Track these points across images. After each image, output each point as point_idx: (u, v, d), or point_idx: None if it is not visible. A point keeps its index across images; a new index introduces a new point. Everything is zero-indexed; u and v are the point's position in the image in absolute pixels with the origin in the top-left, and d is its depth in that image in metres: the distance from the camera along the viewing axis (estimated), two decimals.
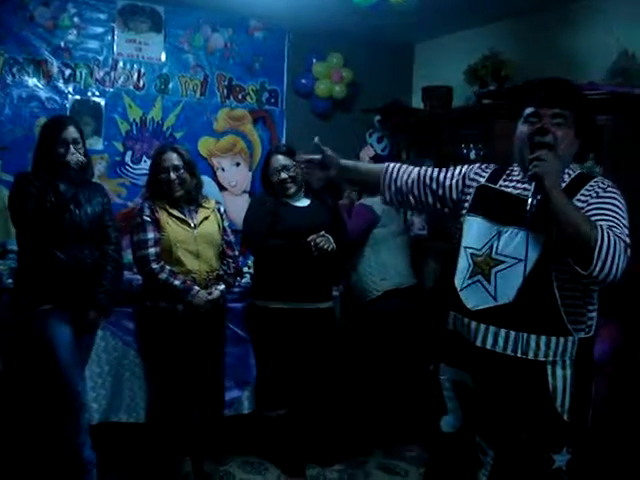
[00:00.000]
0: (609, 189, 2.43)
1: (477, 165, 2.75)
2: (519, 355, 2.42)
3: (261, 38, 5.88)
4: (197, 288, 3.94)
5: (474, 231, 2.55)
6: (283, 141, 5.94)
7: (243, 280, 4.61)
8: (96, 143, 5.30)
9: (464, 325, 2.54)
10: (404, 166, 2.81)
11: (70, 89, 5.24)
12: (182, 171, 4.01)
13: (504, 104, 4.88)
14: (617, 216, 2.34)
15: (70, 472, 3.73)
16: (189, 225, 4.01)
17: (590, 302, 2.47)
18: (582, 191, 2.44)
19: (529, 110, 2.50)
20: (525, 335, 2.41)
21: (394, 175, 2.78)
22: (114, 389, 4.15)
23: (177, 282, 3.90)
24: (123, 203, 5.39)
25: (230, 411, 4.41)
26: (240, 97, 5.86)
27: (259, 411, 4.43)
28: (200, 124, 5.72)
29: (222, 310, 4.17)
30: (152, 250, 3.92)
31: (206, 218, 4.09)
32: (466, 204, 2.65)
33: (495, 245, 2.47)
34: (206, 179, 5.37)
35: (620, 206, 2.38)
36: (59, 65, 5.19)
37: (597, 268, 2.19)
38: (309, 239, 4.07)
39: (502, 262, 2.44)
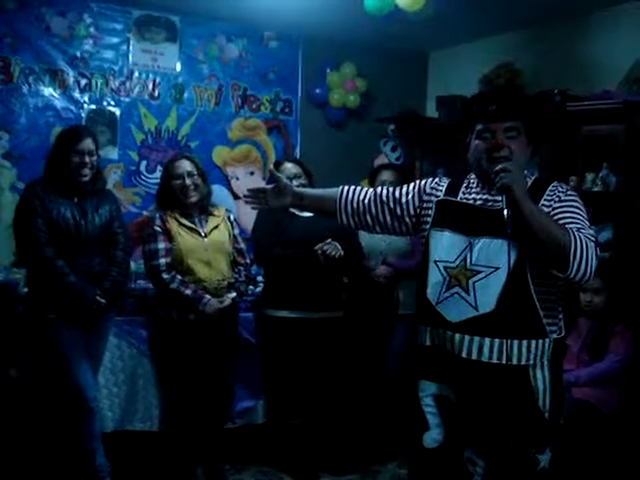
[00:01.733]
0: (569, 192, 2.48)
1: (430, 179, 2.75)
2: (504, 362, 2.43)
3: (275, 48, 5.91)
4: (208, 297, 3.95)
5: (444, 244, 2.55)
6: (297, 150, 5.97)
7: (257, 289, 4.61)
8: (111, 152, 5.33)
9: (447, 338, 2.52)
10: (359, 188, 2.81)
11: (86, 99, 5.28)
12: (196, 177, 4.03)
13: None
14: (582, 218, 2.40)
15: (83, 479, 3.76)
16: (199, 234, 4.02)
17: (560, 303, 2.54)
18: (545, 196, 2.48)
19: (480, 126, 2.50)
20: (509, 341, 2.42)
21: (349, 197, 2.77)
22: (129, 397, 4.16)
23: (188, 291, 3.91)
24: (138, 212, 5.42)
25: (244, 420, 4.42)
26: (254, 107, 5.88)
27: (272, 421, 4.43)
28: (215, 133, 5.75)
29: (234, 319, 4.18)
30: (163, 260, 3.94)
31: (216, 227, 4.10)
32: (427, 219, 2.65)
33: (469, 256, 2.48)
34: (220, 188, 5.41)
35: (582, 208, 2.44)
36: (75, 75, 5.22)
37: (574, 270, 2.26)
38: (316, 247, 4.07)
39: (479, 272, 2.45)
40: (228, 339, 4.13)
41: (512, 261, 2.37)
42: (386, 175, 4.63)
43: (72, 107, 5.23)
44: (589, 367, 3.91)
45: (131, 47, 5.41)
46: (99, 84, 5.31)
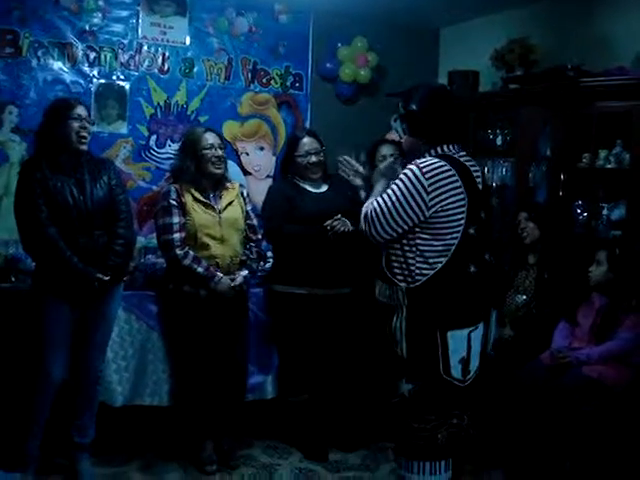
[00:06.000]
0: (406, 168, 2.98)
1: None
2: (383, 300, 3.09)
3: (286, 22, 5.84)
4: (220, 275, 3.94)
5: None
6: (307, 125, 5.92)
7: (267, 265, 4.60)
8: (121, 127, 5.30)
9: None
10: None
11: (95, 73, 5.23)
12: (223, 150, 4.08)
13: (531, 89, 4.83)
14: (391, 191, 2.97)
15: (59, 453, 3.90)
16: (214, 210, 4.01)
17: (410, 258, 2.98)
18: None
19: None
20: (385, 285, 3.07)
21: None
22: (138, 372, 4.17)
23: (200, 269, 3.90)
24: (148, 187, 5.39)
25: (253, 396, 4.42)
26: (264, 81, 5.84)
27: (282, 396, 4.43)
28: (224, 108, 5.71)
29: (245, 295, 4.17)
30: (177, 235, 3.92)
31: (230, 203, 4.09)
32: None
33: None
34: (230, 163, 5.38)
35: (400, 183, 2.95)
36: (84, 48, 5.17)
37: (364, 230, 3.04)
38: (325, 224, 4.05)
39: None
40: (239, 315, 4.13)
41: None
42: (386, 149, 4.59)
43: (81, 81, 5.19)
44: (601, 345, 3.90)
45: (140, 20, 5.36)
46: (108, 58, 5.27)
